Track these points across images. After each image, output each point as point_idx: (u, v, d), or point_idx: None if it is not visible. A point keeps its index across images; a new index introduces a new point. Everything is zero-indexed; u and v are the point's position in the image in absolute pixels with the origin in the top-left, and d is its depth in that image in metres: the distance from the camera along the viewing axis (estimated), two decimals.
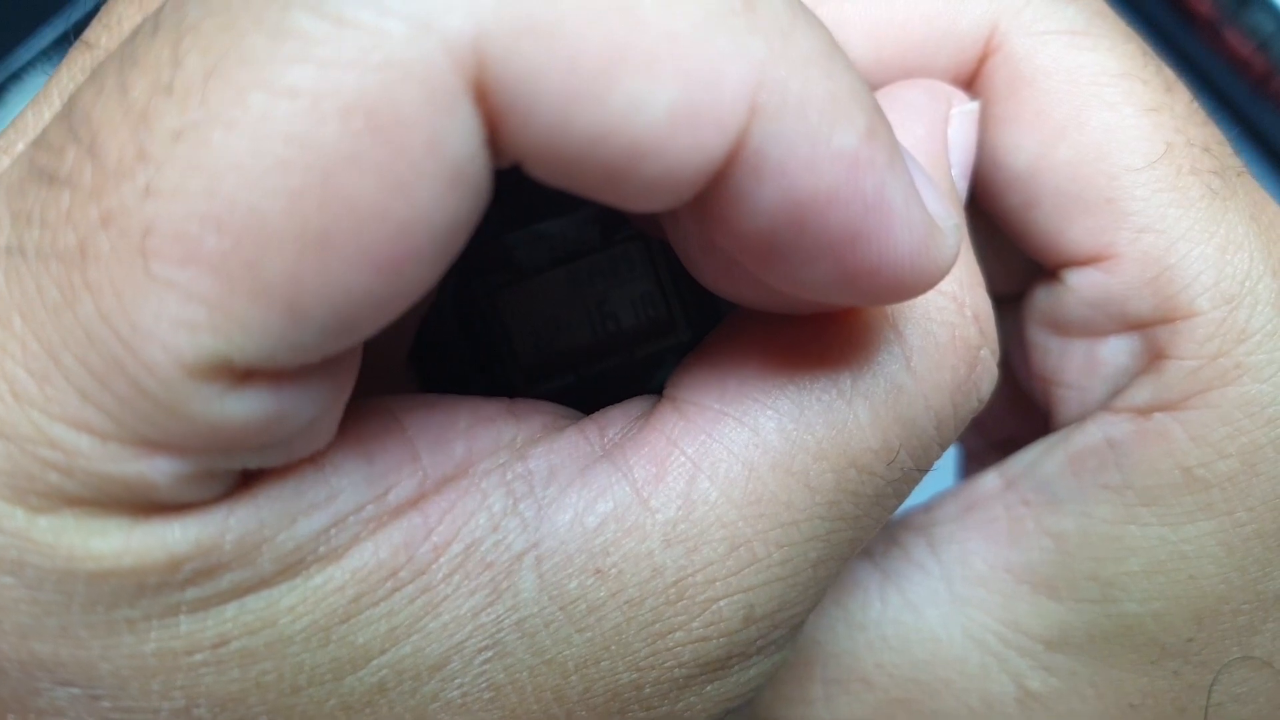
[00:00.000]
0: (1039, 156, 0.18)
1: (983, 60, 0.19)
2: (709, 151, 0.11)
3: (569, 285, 0.18)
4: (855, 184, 0.11)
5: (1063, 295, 0.19)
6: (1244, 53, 0.35)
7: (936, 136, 0.17)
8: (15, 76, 0.36)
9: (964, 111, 0.18)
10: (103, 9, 0.15)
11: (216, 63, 0.10)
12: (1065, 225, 0.18)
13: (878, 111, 0.12)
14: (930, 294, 0.15)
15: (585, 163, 0.11)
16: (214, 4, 0.10)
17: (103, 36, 0.14)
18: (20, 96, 0.36)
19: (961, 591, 0.18)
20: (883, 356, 0.14)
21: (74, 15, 0.37)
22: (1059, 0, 0.18)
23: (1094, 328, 0.19)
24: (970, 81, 0.19)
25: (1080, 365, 0.19)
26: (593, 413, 0.15)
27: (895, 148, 0.12)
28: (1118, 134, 0.17)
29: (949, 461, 0.26)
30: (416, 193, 0.10)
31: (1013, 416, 0.23)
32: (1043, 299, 0.19)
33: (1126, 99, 0.18)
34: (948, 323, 0.15)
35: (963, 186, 0.18)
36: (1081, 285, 0.18)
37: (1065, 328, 0.19)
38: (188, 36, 0.10)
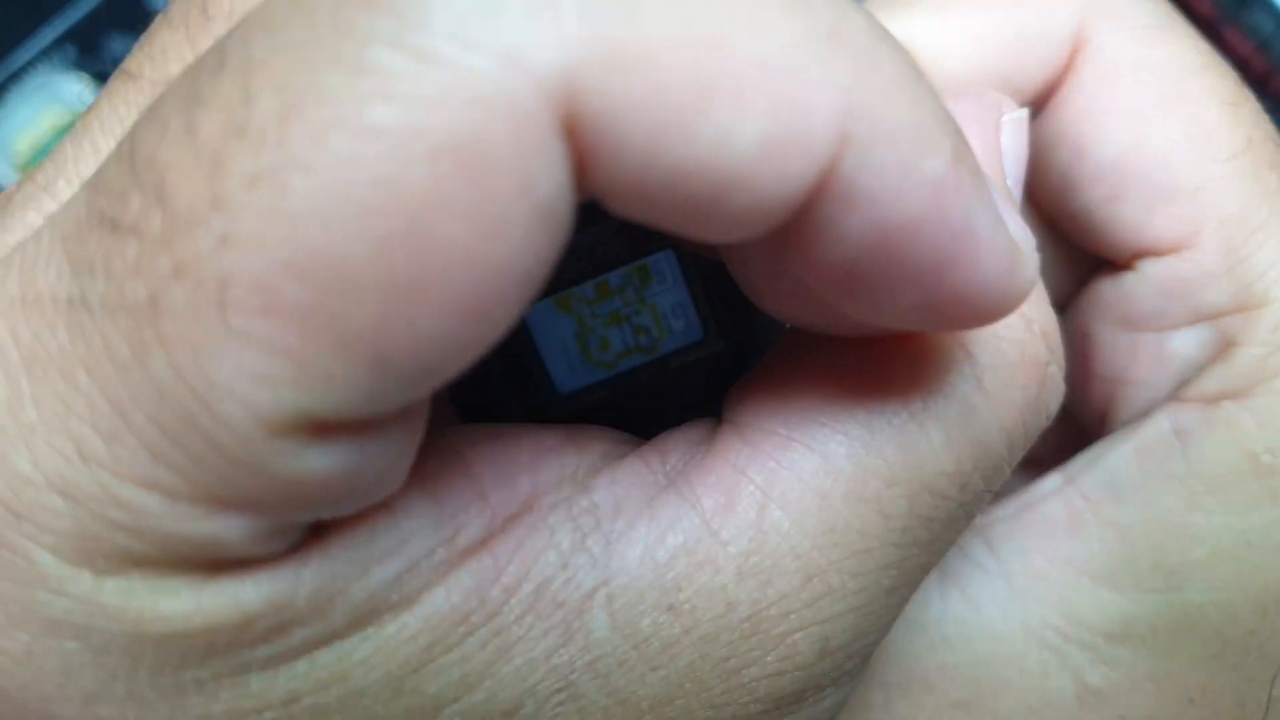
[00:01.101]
0: (1129, 147, 0.18)
1: (1071, 59, 0.19)
2: (799, 181, 0.10)
3: (599, 298, 0.18)
4: (943, 211, 0.11)
5: (1136, 287, 0.19)
6: (1244, 53, 0.35)
7: (991, 148, 0.17)
8: (15, 76, 0.36)
9: (1014, 119, 0.18)
10: (144, 37, 0.14)
11: (293, 102, 0.09)
12: (1152, 214, 0.18)
13: (960, 136, 0.12)
14: None
15: (672, 197, 0.10)
16: (284, 38, 0.10)
17: (145, 66, 0.14)
18: (20, 97, 0.36)
19: (1022, 587, 0.18)
20: (954, 377, 0.14)
21: (74, 15, 0.37)
22: None
23: (1166, 319, 0.19)
24: (1060, 79, 0.19)
25: (1149, 359, 0.19)
26: (625, 428, 0.15)
27: (979, 171, 0.12)
28: (1205, 126, 0.18)
29: None
30: (507, 236, 0.10)
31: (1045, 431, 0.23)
32: (1110, 293, 0.19)
33: (1210, 92, 0.18)
34: (1017, 340, 0.15)
35: (1017, 194, 0.18)
36: (1158, 275, 0.18)
37: (1136, 321, 0.19)
38: (259, 74, 0.10)
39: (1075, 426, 0.21)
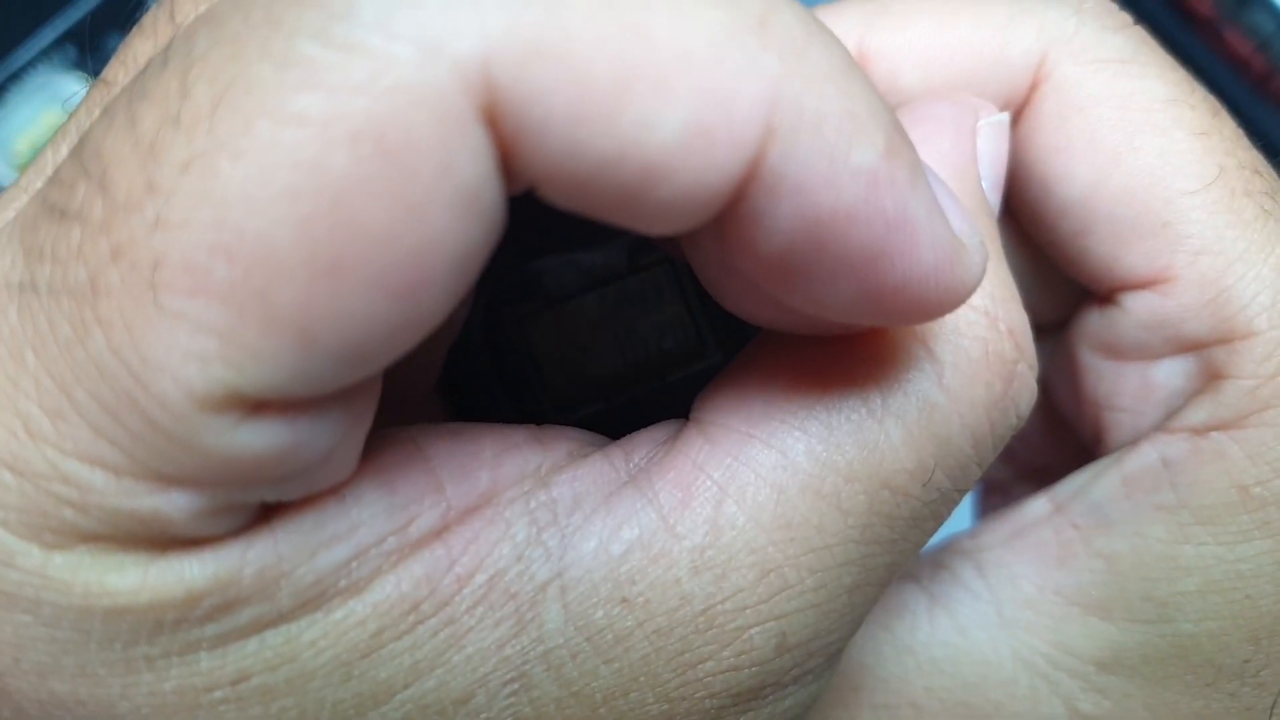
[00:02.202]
0: (1093, 183, 0.18)
1: (1032, 89, 0.19)
2: (725, 171, 0.11)
3: (598, 311, 0.18)
4: (875, 202, 0.11)
5: (1117, 318, 0.19)
6: (1244, 53, 0.35)
7: (963, 149, 0.17)
8: (15, 76, 0.36)
9: (992, 123, 0.18)
10: (121, 46, 0.15)
11: (223, 92, 0.10)
12: (1121, 250, 0.18)
13: (898, 128, 0.12)
14: (961, 309, 0.14)
15: (599, 185, 0.11)
16: (221, 34, 0.10)
17: (120, 74, 0.14)
18: (20, 96, 0.36)
19: (1011, 614, 0.18)
20: (913, 374, 0.14)
21: (74, 15, 0.37)
22: (1106, 29, 0.18)
23: (1149, 350, 0.18)
24: (1019, 110, 0.19)
25: (1134, 389, 0.19)
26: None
27: (917, 164, 0.12)
28: (1171, 158, 0.18)
29: (965, 498, 0.26)
30: (429, 218, 0.10)
31: (1046, 445, 0.23)
32: (1095, 323, 0.19)
33: (1177, 124, 0.18)
34: (980, 338, 0.15)
35: (995, 199, 0.18)
36: (1137, 308, 0.18)
37: (1119, 351, 0.19)
38: (195, 67, 0.10)
39: (1075, 442, 0.21)
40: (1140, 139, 0.18)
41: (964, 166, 0.17)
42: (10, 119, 0.35)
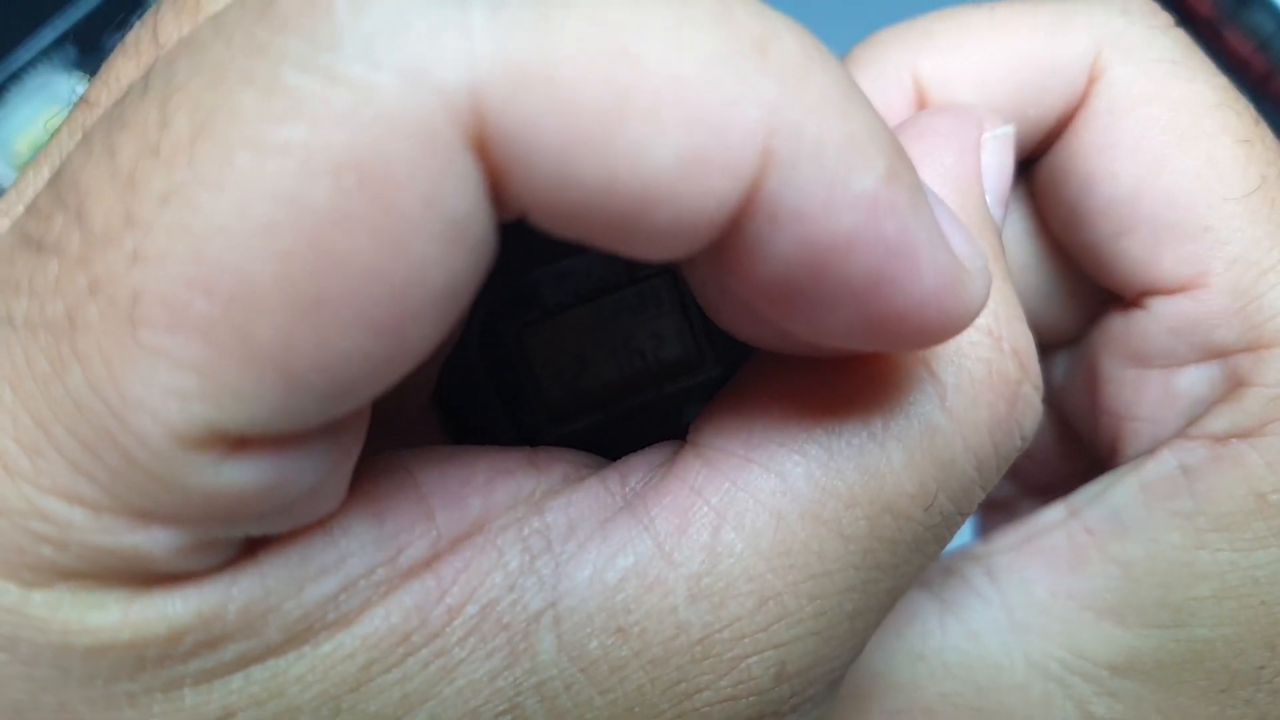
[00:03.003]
0: (1139, 183, 0.18)
1: (1088, 87, 0.19)
2: (720, 199, 0.10)
3: (595, 322, 0.18)
4: (876, 228, 0.11)
5: (1145, 324, 0.18)
6: (1244, 53, 0.35)
7: (967, 164, 0.17)
8: (15, 76, 0.36)
9: (998, 136, 0.17)
10: (103, 66, 0.15)
11: (204, 122, 0.10)
12: (1159, 252, 0.18)
13: (899, 152, 0.11)
14: None
15: (591, 213, 0.10)
16: (203, 62, 0.10)
17: (102, 95, 0.14)
18: (20, 97, 0.36)
19: (1023, 619, 0.18)
20: (915, 396, 0.14)
21: (74, 15, 0.37)
22: (1155, 29, 0.18)
23: (1175, 357, 0.18)
24: (1075, 109, 0.19)
25: (1156, 397, 0.19)
26: (620, 453, 0.15)
27: (918, 189, 0.12)
28: (1217, 164, 0.18)
29: None
30: (414, 252, 0.10)
31: (1054, 462, 0.23)
32: (1119, 329, 0.19)
33: (1224, 130, 0.18)
34: (983, 358, 0.14)
35: (999, 214, 0.17)
36: (1167, 313, 0.18)
37: (1144, 358, 0.19)
38: (176, 95, 0.10)
39: (1086, 457, 0.21)
40: (1189, 143, 0.18)
41: (968, 182, 0.16)
42: (10, 119, 0.35)
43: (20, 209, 0.14)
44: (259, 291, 0.10)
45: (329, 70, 0.09)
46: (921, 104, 0.19)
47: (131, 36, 0.14)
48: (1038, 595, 0.18)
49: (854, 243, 0.11)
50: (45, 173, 0.14)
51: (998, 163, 0.17)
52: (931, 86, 0.19)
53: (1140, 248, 0.18)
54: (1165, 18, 0.19)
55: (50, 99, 0.35)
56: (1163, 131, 0.18)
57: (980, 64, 0.19)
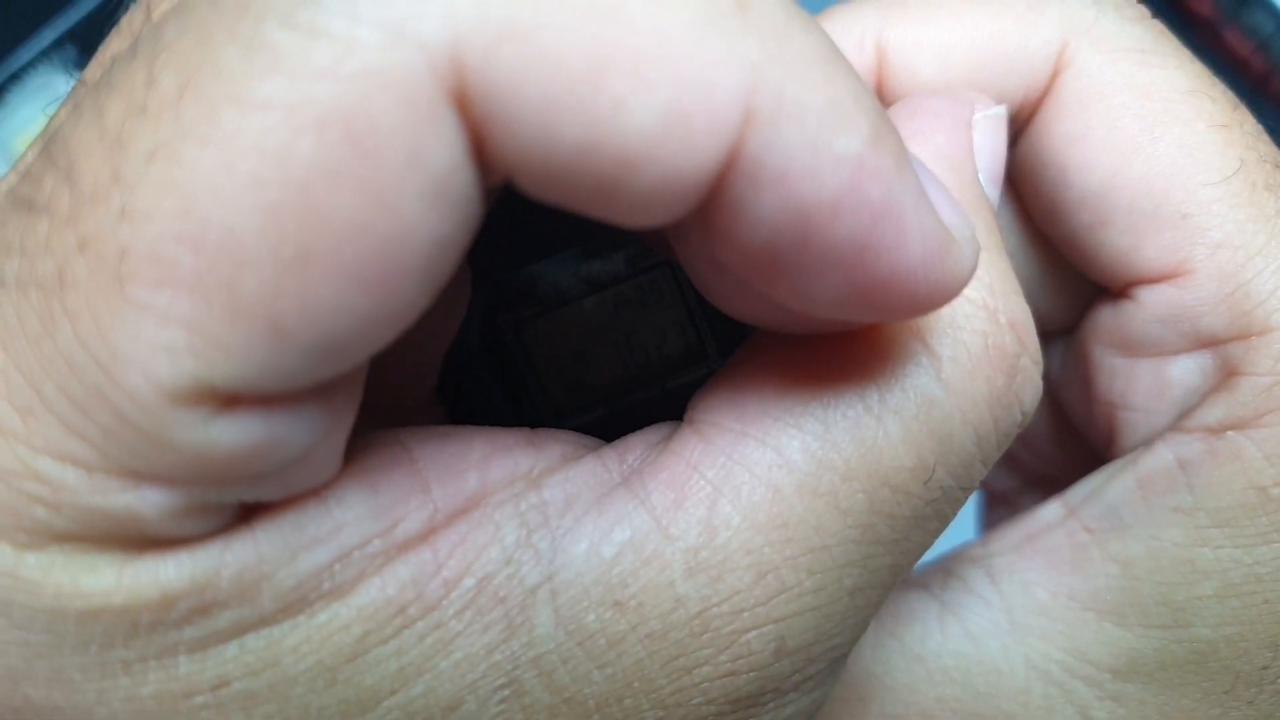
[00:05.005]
0: (1112, 173, 0.18)
1: (1052, 80, 0.18)
2: (703, 159, 0.10)
3: (597, 316, 0.18)
4: (860, 191, 0.11)
5: (1133, 313, 0.18)
6: (1244, 53, 0.35)
7: (959, 143, 0.16)
8: (15, 76, 0.36)
9: (989, 116, 0.17)
10: (101, 47, 0.15)
11: (189, 79, 0.10)
12: (1139, 242, 0.18)
13: (883, 117, 0.11)
14: (958, 302, 0.14)
15: (575, 174, 0.10)
16: (189, 23, 0.10)
17: (97, 74, 0.14)
18: (20, 96, 0.36)
19: (1023, 621, 0.18)
20: (911, 369, 0.14)
21: (74, 15, 0.37)
22: (1126, 19, 0.18)
23: (1165, 346, 0.18)
24: (1039, 100, 0.19)
25: (1148, 386, 0.19)
26: None
27: (903, 154, 0.12)
28: (1192, 150, 0.17)
29: (970, 510, 0.26)
30: (399, 207, 0.10)
31: (1054, 453, 0.23)
32: (1109, 319, 0.19)
33: (1198, 115, 0.17)
34: (979, 331, 0.14)
35: (993, 193, 0.17)
36: (1154, 302, 0.18)
37: (1134, 347, 0.19)
38: (162, 55, 0.10)
39: (1086, 447, 0.21)
40: (1161, 129, 0.17)
41: (960, 160, 0.16)
42: (10, 119, 0.35)
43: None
44: (245, 246, 0.10)
45: (311, 25, 0.10)
46: (880, 72, 0.19)
47: (126, 19, 0.14)
48: (1038, 597, 0.18)
49: (838, 206, 0.11)
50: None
51: (990, 142, 0.17)
52: (893, 55, 0.19)
53: (1120, 238, 0.18)
54: (1139, 9, 0.19)
55: (50, 99, 0.35)
56: (1134, 119, 0.18)
57: (946, 39, 0.19)
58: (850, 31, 0.19)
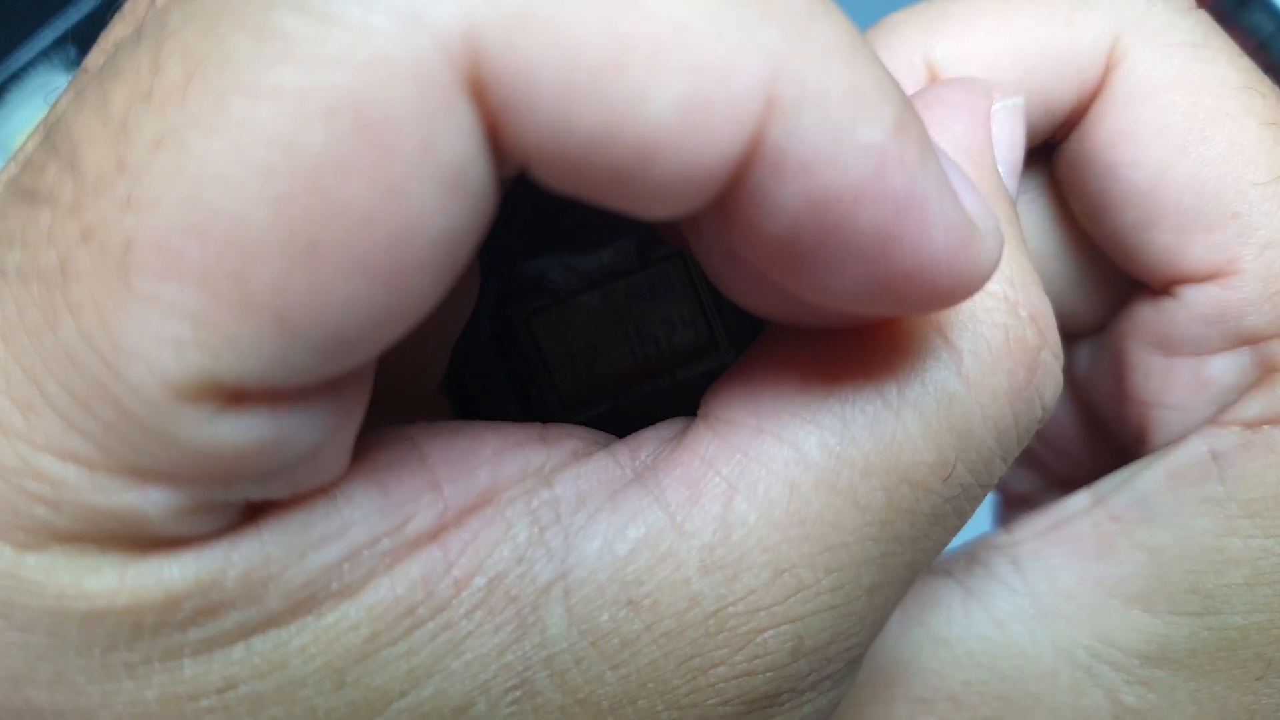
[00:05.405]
0: (1162, 171, 0.17)
1: (1106, 74, 0.18)
2: (723, 148, 0.10)
3: (606, 308, 0.18)
4: (883, 181, 0.11)
5: (1174, 312, 0.18)
6: (1243, 53, 0.35)
7: (978, 133, 0.16)
8: (15, 76, 0.36)
9: (1008, 107, 0.17)
10: (102, 34, 0.15)
11: (196, 66, 0.09)
12: (1186, 242, 0.18)
13: (907, 106, 0.11)
14: (979, 295, 0.14)
15: (592, 164, 0.10)
16: (196, 8, 0.10)
17: (100, 61, 0.14)
18: (20, 96, 0.36)
19: (1049, 606, 0.18)
20: (930, 363, 0.13)
21: (74, 15, 0.37)
22: (1176, 11, 0.18)
23: (1206, 345, 0.18)
24: (1092, 96, 0.18)
25: (1186, 384, 0.18)
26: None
27: (927, 143, 0.11)
28: (1243, 148, 0.17)
29: (985, 510, 0.25)
30: (411, 198, 0.10)
31: (1079, 453, 0.22)
32: (1148, 317, 0.19)
33: (1249, 112, 0.17)
34: (1000, 324, 0.14)
35: (1012, 184, 0.17)
36: (1198, 301, 0.18)
37: (1173, 346, 0.18)
38: (168, 42, 0.10)
39: (1112, 447, 0.21)
40: (1212, 127, 0.17)
41: (979, 151, 0.16)
42: (10, 119, 0.35)
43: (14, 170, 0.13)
44: (254, 237, 0.09)
45: (323, 12, 0.09)
46: None
47: (129, 4, 0.14)
48: (1064, 583, 0.18)
49: (861, 196, 0.11)
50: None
51: (1009, 133, 0.17)
52: (944, 71, 0.19)
53: (1167, 237, 0.18)
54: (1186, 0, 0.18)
55: (50, 99, 0.35)
56: (1184, 117, 0.17)
57: (994, 48, 0.18)
58: (898, 53, 0.19)
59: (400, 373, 0.16)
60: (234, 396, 0.10)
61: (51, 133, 0.11)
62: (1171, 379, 0.19)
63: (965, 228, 0.12)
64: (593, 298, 0.18)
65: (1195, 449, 0.18)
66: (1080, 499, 0.19)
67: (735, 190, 0.11)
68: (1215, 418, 0.18)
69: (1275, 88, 0.18)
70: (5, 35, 0.35)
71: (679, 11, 0.10)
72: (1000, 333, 0.14)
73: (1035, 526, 0.19)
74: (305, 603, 0.12)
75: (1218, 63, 0.18)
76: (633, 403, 0.18)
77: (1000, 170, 0.16)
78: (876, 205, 0.11)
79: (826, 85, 0.10)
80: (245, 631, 0.12)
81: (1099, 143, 0.18)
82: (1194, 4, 0.18)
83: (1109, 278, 0.20)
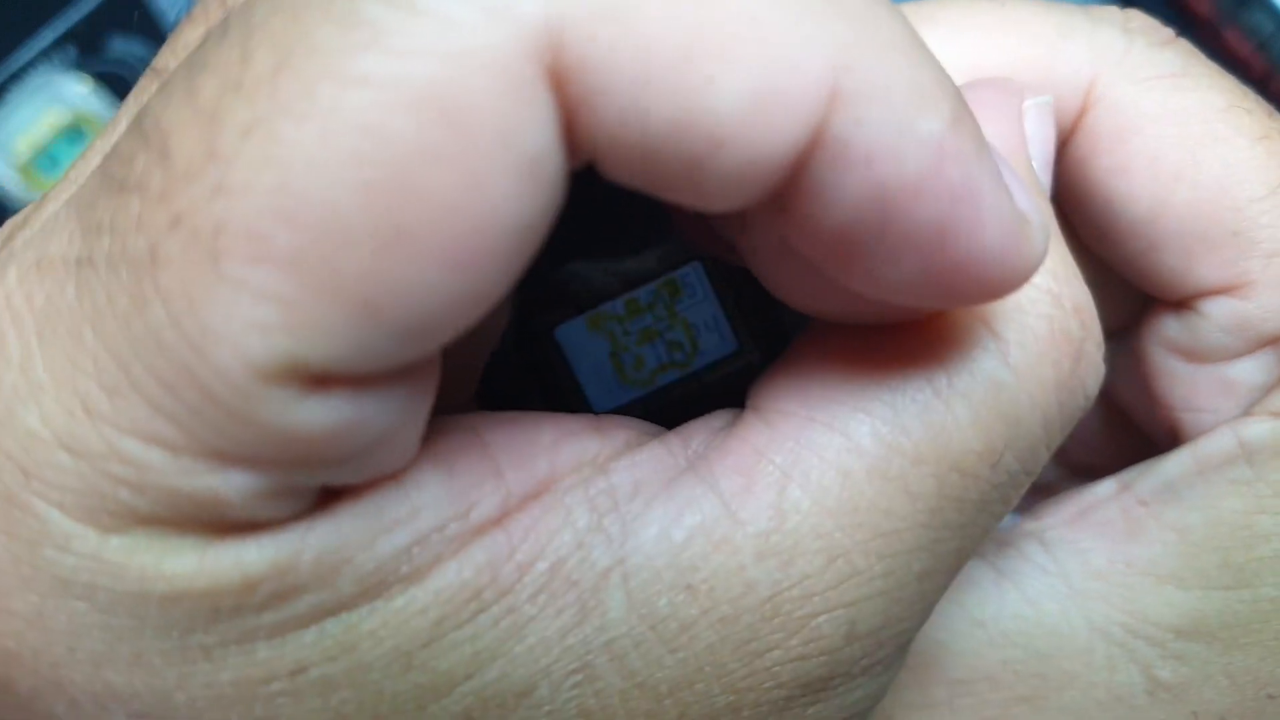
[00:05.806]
0: (1158, 202, 0.18)
1: (1082, 113, 0.19)
2: (790, 138, 0.10)
3: (630, 315, 0.18)
4: (942, 173, 0.11)
5: (1196, 323, 0.19)
6: (1243, 53, 0.35)
7: (1012, 130, 0.17)
8: (15, 77, 0.36)
9: (1038, 104, 0.17)
10: (170, 36, 0.15)
11: (285, 56, 0.10)
12: (1192, 263, 0.18)
13: (962, 101, 0.12)
14: (1023, 288, 0.14)
15: (662, 154, 0.10)
16: (282, 2, 0.10)
17: (171, 62, 0.14)
18: (20, 96, 0.36)
19: (1081, 585, 0.18)
20: (978, 353, 0.14)
21: (74, 15, 0.37)
22: (1155, 45, 0.18)
23: (1229, 351, 0.18)
24: (1069, 131, 0.19)
25: (1213, 389, 0.19)
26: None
27: (981, 137, 0.12)
28: (1235, 167, 0.18)
29: None
30: (492, 187, 0.10)
31: (1101, 443, 0.23)
32: (1171, 327, 0.19)
33: (1237, 131, 0.18)
34: (1045, 315, 0.14)
35: (1045, 180, 0.17)
36: (1218, 312, 0.18)
37: (1198, 354, 0.19)
38: (256, 34, 0.10)
39: (1133, 438, 0.21)
40: (1202, 152, 0.18)
41: (1015, 147, 0.16)
42: (10, 119, 0.35)
43: (97, 161, 0.13)
44: (342, 223, 0.10)
45: (410, 3, 0.09)
46: None
47: (199, 7, 0.14)
48: (1095, 563, 0.18)
49: (920, 187, 0.11)
50: (112, 139, 0.14)
51: (1041, 129, 0.17)
52: None
53: (1173, 260, 0.18)
54: (1166, 32, 0.19)
55: (50, 99, 0.35)
56: (1174, 146, 0.18)
57: (975, 59, 0.19)
58: None
59: (441, 384, 0.16)
60: (317, 380, 0.10)
61: (139, 123, 0.11)
62: (1198, 384, 0.19)
63: (1016, 219, 0.12)
64: (616, 306, 0.18)
65: (1223, 437, 0.18)
66: (1106, 485, 0.19)
67: (796, 181, 0.11)
68: (1244, 412, 0.18)
69: (1262, 101, 0.19)
70: (5, 35, 0.35)
71: (750, 4, 0.10)
72: (1045, 324, 0.14)
73: (1062, 513, 0.19)
74: (375, 587, 0.12)
75: (1200, 89, 0.18)
76: (661, 408, 0.18)
77: (1035, 165, 0.17)
78: (934, 196, 0.11)
79: (890, 78, 0.11)
80: (317, 615, 0.12)
81: (1092, 179, 0.19)
82: (1173, 36, 0.19)
83: (1128, 286, 0.20)
